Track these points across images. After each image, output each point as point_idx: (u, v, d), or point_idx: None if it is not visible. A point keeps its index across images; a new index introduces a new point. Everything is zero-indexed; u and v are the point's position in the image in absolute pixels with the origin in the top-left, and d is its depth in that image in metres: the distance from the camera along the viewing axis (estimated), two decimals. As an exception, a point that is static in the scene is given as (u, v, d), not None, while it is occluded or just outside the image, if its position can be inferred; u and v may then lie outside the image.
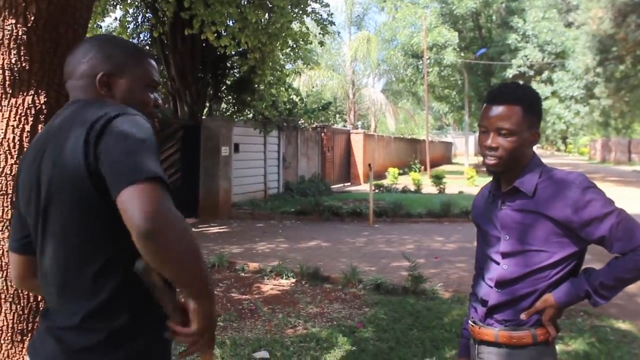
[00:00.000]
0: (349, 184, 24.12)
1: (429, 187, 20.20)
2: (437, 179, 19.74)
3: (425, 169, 28.86)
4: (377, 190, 18.24)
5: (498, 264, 2.03)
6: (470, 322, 2.14)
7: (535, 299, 1.96)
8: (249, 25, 10.62)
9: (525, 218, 1.97)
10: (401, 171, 25.95)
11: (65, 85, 1.67)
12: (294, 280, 7.19)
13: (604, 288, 1.88)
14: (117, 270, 1.45)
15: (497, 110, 1.97)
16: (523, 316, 1.97)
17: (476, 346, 2.10)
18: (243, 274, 7.57)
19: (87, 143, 1.40)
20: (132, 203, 1.29)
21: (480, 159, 33.71)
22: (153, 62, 1.71)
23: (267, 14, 11.39)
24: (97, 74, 1.59)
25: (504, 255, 2.01)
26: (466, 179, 23.37)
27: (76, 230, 1.46)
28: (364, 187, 21.99)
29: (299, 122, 18.73)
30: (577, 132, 38.58)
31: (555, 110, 29.21)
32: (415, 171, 26.59)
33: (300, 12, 12.30)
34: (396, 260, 8.47)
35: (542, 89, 29.13)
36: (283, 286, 6.93)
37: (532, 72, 29.62)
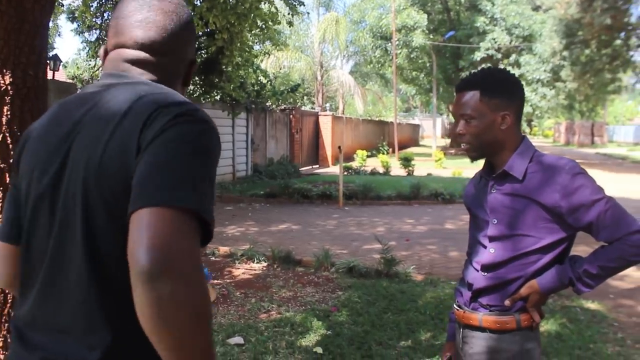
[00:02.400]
0: (317, 166, 24.08)
1: (397, 169, 20.27)
2: (406, 161, 19.81)
3: (394, 151, 28.95)
4: (346, 173, 18.22)
5: (485, 247, 2.03)
6: (455, 306, 2.14)
7: (521, 285, 1.95)
8: (217, 5, 10.41)
9: (514, 202, 1.96)
10: (369, 153, 25.99)
11: (113, 51, 1.31)
12: (265, 264, 7.12)
13: (588, 276, 1.88)
14: None
15: (459, 97, 2.03)
16: (507, 302, 1.96)
17: (461, 330, 2.10)
18: (214, 258, 7.46)
19: (140, 143, 1.09)
20: (140, 229, 0.97)
21: (448, 141, 34.14)
22: None
23: (235, -6, 11.18)
24: (185, 55, 1.36)
25: (492, 238, 2.01)
26: (434, 161, 23.52)
27: (112, 240, 1.11)
28: (333, 169, 21.98)
29: (267, 104, 18.56)
30: (542, 115, 39.11)
31: (522, 93, 29.52)
32: (383, 153, 26.69)
33: (269, -9, 12.11)
34: (367, 242, 8.46)
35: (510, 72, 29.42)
36: (255, 270, 6.85)
37: (499, 55, 29.83)
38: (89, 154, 1.14)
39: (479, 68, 2.13)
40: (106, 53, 1.35)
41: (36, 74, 2.33)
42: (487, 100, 1.97)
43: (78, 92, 1.32)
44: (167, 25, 1.30)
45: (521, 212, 1.94)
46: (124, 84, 1.24)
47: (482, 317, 2.00)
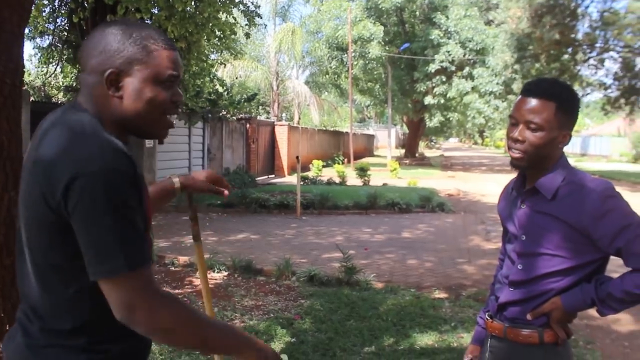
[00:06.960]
0: (273, 176, 24.06)
1: (353, 179, 20.42)
2: (362, 171, 19.97)
3: (349, 161, 29.15)
4: (302, 183, 18.26)
5: (514, 263, 2.03)
6: (486, 314, 2.17)
7: (546, 300, 1.95)
8: (176, 14, 10.38)
9: (542, 220, 1.94)
10: (325, 163, 26.10)
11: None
12: (226, 273, 7.11)
13: (611, 299, 1.85)
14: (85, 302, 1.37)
15: (530, 103, 1.91)
16: (529, 316, 1.96)
17: (488, 339, 2.14)
18: (173, 268, 7.42)
19: (51, 192, 1.28)
20: (110, 296, 1.29)
21: (402, 151, 34.00)
22: (170, 53, 1.44)
23: (194, 3, 11.17)
24: (105, 70, 1.38)
25: (520, 254, 2.00)
26: (390, 171, 23.78)
27: (41, 254, 1.36)
28: (289, 179, 22.01)
29: (224, 114, 18.50)
30: (494, 126, 39.93)
31: (475, 105, 30.08)
32: (339, 163, 26.83)
33: (228, 1, 12.12)
34: (327, 251, 8.54)
35: (463, 84, 29.98)
36: (215, 280, 6.84)
37: (453, 68, 30.37)
38: (24, 197, 1.36)
39: (549, 79, 2.03)
40: None
41: (13, 83, 2.32)
42: (561, 116, 1.90)
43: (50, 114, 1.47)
44: (92, 48, 1.44)
45: (549, 231, 1.92)
46: (59, 115, 1.42)
47: (506, 328, 2.03)
